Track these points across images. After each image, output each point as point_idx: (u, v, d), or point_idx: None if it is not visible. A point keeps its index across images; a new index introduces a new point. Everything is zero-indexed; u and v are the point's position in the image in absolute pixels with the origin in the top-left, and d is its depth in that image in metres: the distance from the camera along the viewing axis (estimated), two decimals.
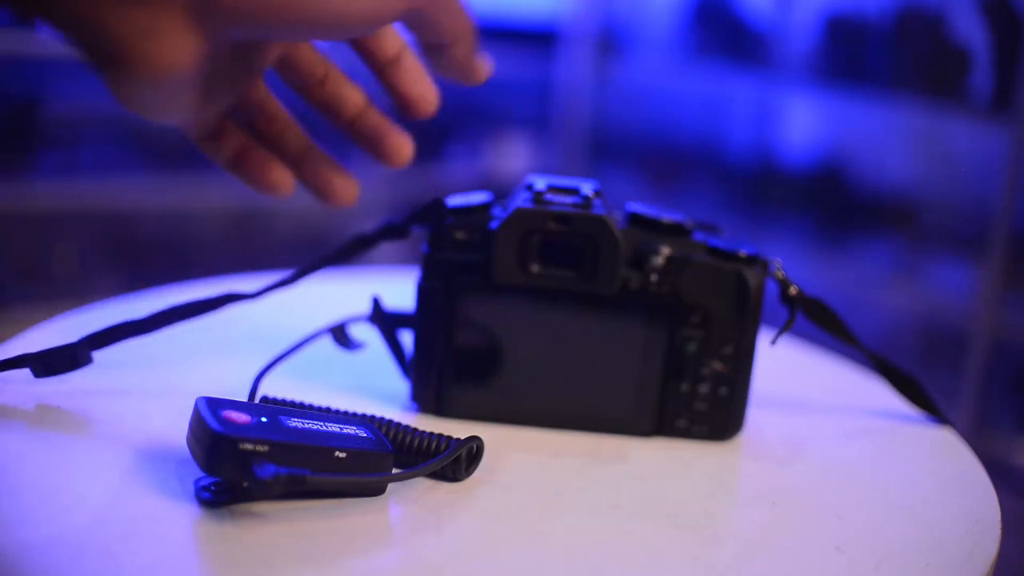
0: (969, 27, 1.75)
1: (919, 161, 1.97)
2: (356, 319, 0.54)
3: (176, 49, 0.33)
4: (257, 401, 0.46)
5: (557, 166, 2.37)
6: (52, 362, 0.46)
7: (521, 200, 0.46)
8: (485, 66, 0.41)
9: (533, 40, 2.38)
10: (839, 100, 1.97)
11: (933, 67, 1.83)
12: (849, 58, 1.95)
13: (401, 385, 0.51)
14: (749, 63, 2.14)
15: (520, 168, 2.37)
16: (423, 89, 0.44)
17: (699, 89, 2.34)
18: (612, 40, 2.37)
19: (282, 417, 0.39)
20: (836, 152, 2.13)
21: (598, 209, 0.46)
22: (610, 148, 2.42)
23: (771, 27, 2.15)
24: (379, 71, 0.44)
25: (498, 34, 2.35)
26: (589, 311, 0.47)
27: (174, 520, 0.38)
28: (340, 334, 0.54)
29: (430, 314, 0.47)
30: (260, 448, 0.37)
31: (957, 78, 1.76)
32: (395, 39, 0.44)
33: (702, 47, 2.24)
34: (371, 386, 0.51)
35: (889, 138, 2.00)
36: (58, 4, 0.32)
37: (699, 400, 0.48)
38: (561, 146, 2.38)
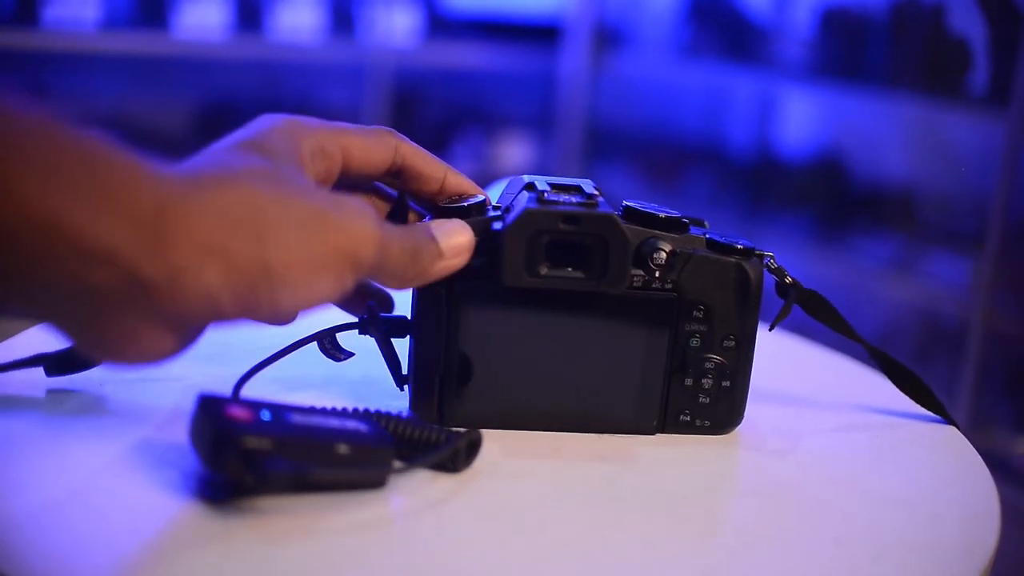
0: (967, 21, 1.75)
1: (917, 155, 1.97)
2: (347, 327, 0.49)
3: (154, 348, 0.36)
4: None
5: (554, 162, 2.37)
6: (66, 362, 0.47)
7: (526, 200, 0.44)
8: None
9: (531, 35, 2.38)
10: (837, 94, 1.96)
11: (931, 61, 1.83)
12: (847, 52, 1.95)
13: (401, 393, 0.50)
14: (747, 58, 2.14)
15: (517, 164, 2.37)
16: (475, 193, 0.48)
17: (697, 84, 2.34)
18: (609, 35, 2.36)
19: (284, 413, 0.40)
20: (834, 146, 2.13)
21: (604, 207, 0.44)
22: (607, 144, 2.42)
23: (769, 21, 2.15)
24: (430, 201, 0.48)
25: (495, 29, 2.34)
26: (592, 311, 0.47)
27: (177, 515, 0.38)
28: (328, 343, 0.49)
29: (431, 321, 0.46)
30: (263, 444, 0.37)
31: (955, 72, 1.76)
32: (436, 168, 0.47)
33: (700, 42, 2.24)
34: (370, 396, 0.50)
35: (887, 132, 2.00)
36: (47, 312, 0.35)
37: (703, 394, 0.48)
38: (558, 142, 2.38)
